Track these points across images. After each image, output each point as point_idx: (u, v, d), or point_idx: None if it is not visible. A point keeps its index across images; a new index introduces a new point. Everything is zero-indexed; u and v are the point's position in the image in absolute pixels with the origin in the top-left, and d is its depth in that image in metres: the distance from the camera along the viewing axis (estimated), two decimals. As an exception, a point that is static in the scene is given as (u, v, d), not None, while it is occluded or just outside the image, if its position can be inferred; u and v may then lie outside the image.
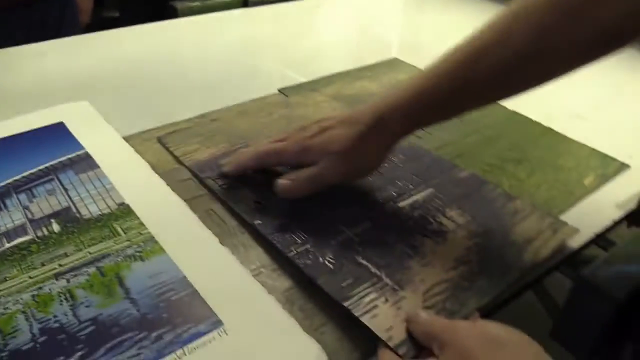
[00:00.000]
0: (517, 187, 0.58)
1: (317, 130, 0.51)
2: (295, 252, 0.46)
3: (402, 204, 0.53)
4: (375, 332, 0.39)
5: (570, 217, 0.55)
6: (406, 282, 0.44)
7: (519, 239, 0.49)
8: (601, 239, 0.57)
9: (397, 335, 0.39)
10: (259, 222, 0.49)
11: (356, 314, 0.40)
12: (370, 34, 1.02)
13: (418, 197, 0.54)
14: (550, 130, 0.70)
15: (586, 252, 0.53)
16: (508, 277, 0.45)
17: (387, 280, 0.44)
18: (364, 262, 0.46)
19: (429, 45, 0.98)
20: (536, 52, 0.43)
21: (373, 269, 0.45)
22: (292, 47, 0.92)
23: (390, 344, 0.38)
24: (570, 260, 0.52)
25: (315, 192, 0.50)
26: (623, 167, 0.63)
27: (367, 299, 0.42)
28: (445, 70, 0.48)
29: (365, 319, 0.40)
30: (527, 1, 0.44)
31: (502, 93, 0.48)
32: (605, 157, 0.64)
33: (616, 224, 0.56)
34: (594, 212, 0.56)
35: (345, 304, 0.41)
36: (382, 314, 0.41)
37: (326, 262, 0.45)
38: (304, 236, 0.48)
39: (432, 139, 0.66)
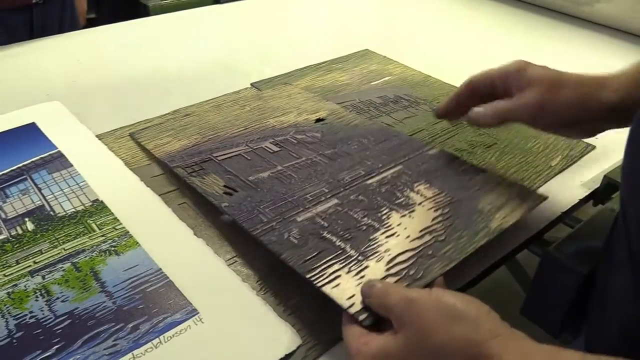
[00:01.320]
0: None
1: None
2: (260, 229, 0.47)
3: (370, 181, 0.54)
4: (337, 301, 0.39)
5: (537, 197, 0.56)
6: (370, 253, 0.44)
7: (486, 207, 0.50)
8: (569, 218, 0.58)
9: (358, 302, 0.39)
10: (226, 204, 0.50)
11: (318, 285, 0.41)
12: (343, 27, 1.03)
13: (386, 174, 0.55)
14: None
15: (554, 232, 0.55)
16: (474, 244, 0.46)
17: (352, 252, 0.44)
18: (329, 236, 0.46)
19: (402, 37, 0.99)
20: None
21: (338, 242, 0.45)
22: (266, 42, 0.93)
23: (351, 311, 0.39)
24: (539, 239, 0.54)
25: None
26: (589, 147, 0.65)
27: (329, 270, 0.42)
28: None
29: (327, 289, 0.40)
30: None
31: None
32: (571, 139, 0.66)
33: (582, 202, 0.58)
34: (561, 192, 0.57)
35: (308, 276, 0.42)
36: (345, 284, 0.41)
37: (291, 238, 0.46)
38: (270, 215, 0.49)
39: (404, 127, 0.67)
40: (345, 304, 0.39)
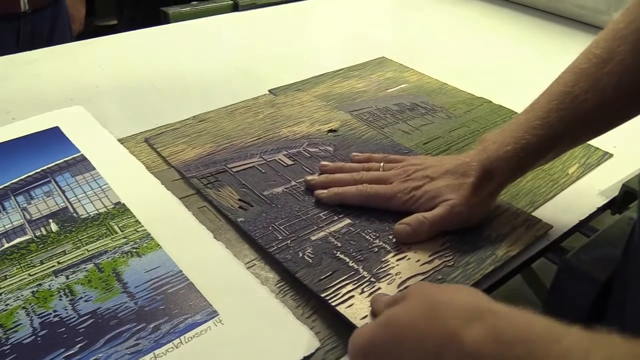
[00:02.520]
0: None
1: (423, 180, 0.52)
2: (276, 247, 0.48)
3: None
4: (351, 320, 0.41)
5: (555, 205, 0.56)
6: (383, 275, 0.45)
7: (492, 234, 0.51)
8: (585, 227, 0.58)
9: None
10: (242, 219, 0.51)
11: (332, 304, 0.42)
12: (360, 35, 1.04)
13: None
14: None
15: (570, 242, 0.55)
16: (482, 270, 0.47)
17: (364, 273, 0.45)
18: (342, 256, 0.47)
19: (418, 45, 1.00)
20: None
21: (351, 263, 0.46)
22: (283, 49, 0.94)
23: None
24: (556, 248, 0.54)
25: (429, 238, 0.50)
26: (606, 156, 0.65)
27: (343, 290, 0.43)
28: (542, 119, 0.49)
29: (341, 309, 0.42)
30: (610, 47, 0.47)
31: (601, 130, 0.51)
32: (589, 146, 0.66)
33: (600, 211, 0.58)
34: (578, 200, 0.57)
35: (323, 295, 0.43)
36: (358, 304, 0.42)
37: (305, 257, 0.47)
38: (285, 232, 0.50)
39: (421, 134, 0.67)
40: (359, 324, 0.40)
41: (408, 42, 1.01)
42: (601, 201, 0.58)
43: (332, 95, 0.76)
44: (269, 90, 0.77)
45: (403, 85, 0.80)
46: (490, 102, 0.76)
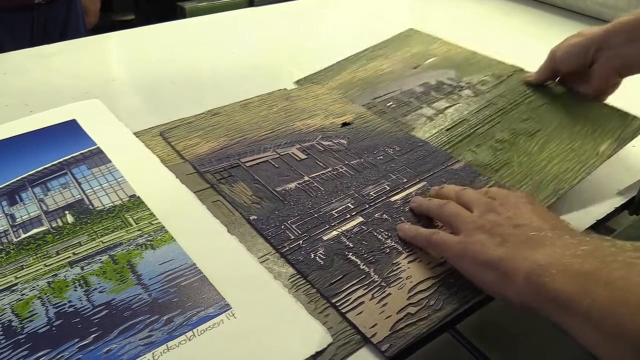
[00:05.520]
0: (526, 163, 0.59)
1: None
2: (287, 247, 0.48)
3: (394, 198, 0.54)
4: (360, 329, 0.41)
5: (570, 204, 0.56)
6: (393, 279, 0.45)
7: None
8: (602, 227, 0.57)
9: (380, 332, 0.40)
10: (255, 217, 0.51)
11: (343, 311, 0.42)
12: (377, 30, 1.03)
13: (410, 190, 0.55)
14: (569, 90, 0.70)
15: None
16: None
17: (375, 277, 0.45)
18: (354, 258, 0.47)
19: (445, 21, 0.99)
20: None
21: (362, 266, 0.46)
22: (299, 44, 0.93)
23: (374, 340, 0.40)
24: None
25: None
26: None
27: (354, 296, 0.43)
28: None
29: (351, 316, 0.41)
30: None
31: None
32: (626, 115, 0.64)
33: (618, 211, 0.57)
34: (596, 200, 0.57)
35: (333, 300, 0.43)
36: (368, 311, 0.42)
37: (317, 259, 0.47)
38: (297, 232, 0.49)
39: (445, 118, 0.67)
40: (368, 332, 0.40)
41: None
42: (619, 201, 0.57)
43: (355, 82, 0.76)
44: (295, 82, 0.77)
45: (430, 60, 0.79)
46: (522, 70, 0.75)
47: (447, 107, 0.69)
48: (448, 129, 0.65)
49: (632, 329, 0.32)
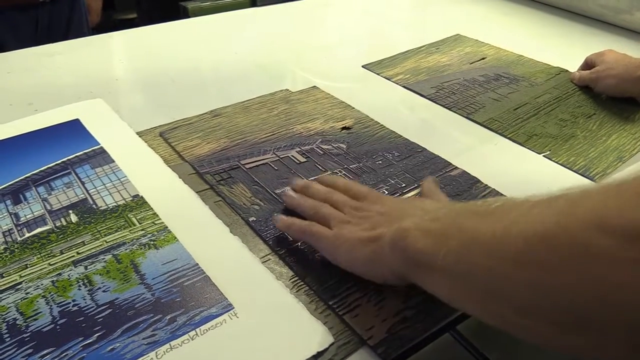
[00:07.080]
0: (590, 137, 0.68)
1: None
2: (285, 250, 0.48)
3: None
4: (357, 331, 0.41)
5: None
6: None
7: None
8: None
9: (377, 334, 0.41)
10: (254, 219, 0.51)
11: (340, 313, 0.42)
12: (378, 32, 1.04)
13: (409, 195, 0.55)
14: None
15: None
16: None
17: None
18: None
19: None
20: None
21: None
22: (302, 44, 0.94)
23: (370, 343, 0.40)
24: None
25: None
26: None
27: (350, 299, 0.43)
28: None
29: (347, 318, 0.42)
30: None
31: None
32: None
33: None
34: None
35: (330, 302, 0.43)
36: (364, 314, 0.42)
37: (314, 261, 0.47)
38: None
39: (510, 101, 0.75)
40: (365, 335, 0.40)
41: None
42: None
43: (421, 69, 0.84)
44: (362, 66, 0.84)
45: (484, 59, 0.88)
46: (567, 70, 0.84)
47: (509, 93, 0.77)
48: (515, 109, 0.73)
49: (483, 265, 0.32)
